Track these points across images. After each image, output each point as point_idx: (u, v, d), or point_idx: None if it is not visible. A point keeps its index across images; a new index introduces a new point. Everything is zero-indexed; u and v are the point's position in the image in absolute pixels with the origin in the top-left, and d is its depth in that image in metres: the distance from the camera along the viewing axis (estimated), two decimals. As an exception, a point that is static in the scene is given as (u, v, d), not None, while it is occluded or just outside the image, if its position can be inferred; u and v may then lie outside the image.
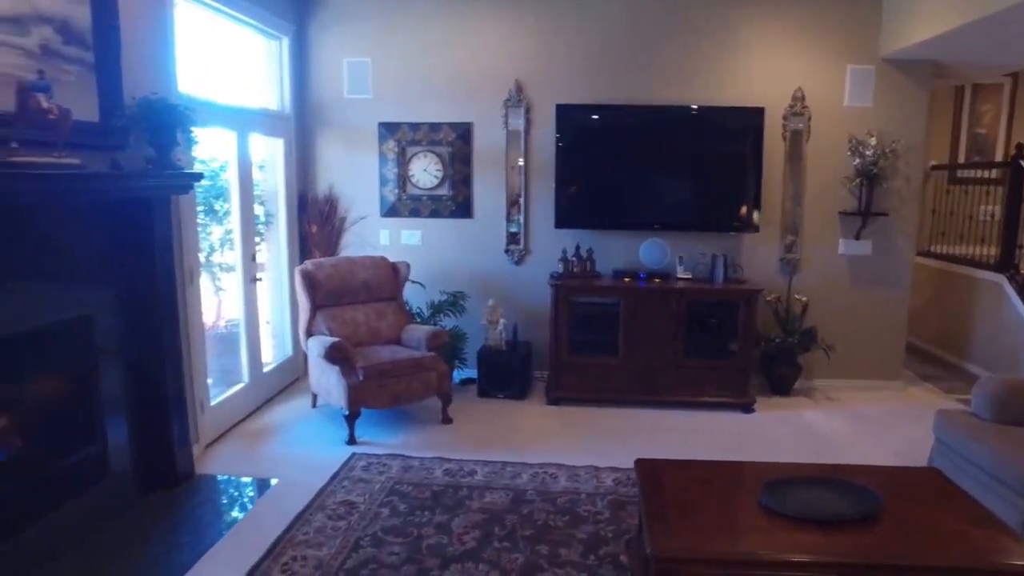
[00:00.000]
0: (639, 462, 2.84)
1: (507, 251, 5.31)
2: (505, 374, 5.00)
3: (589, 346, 4.92)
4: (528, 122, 5.14)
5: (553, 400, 4.89)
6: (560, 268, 5.01)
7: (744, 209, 4.99)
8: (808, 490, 2.49)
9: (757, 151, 4.92)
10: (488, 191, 5.27)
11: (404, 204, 5.37)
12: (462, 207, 5.31)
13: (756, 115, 4.90)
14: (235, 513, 3.40)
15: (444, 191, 5.31)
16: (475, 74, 5.15)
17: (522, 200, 5.23)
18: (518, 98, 5.11)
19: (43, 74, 2.72)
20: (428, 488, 3.61)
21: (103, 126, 3.12)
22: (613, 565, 2.91)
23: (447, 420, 4.55)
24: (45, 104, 2.63)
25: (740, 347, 4.79)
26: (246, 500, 3.55)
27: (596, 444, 4.22)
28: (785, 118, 5.04)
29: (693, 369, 4.81)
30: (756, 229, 5.02)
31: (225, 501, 3.55)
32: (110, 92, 3.15)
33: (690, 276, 4.97)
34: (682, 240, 5.08)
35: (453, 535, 3.14)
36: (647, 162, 5.06)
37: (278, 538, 3.10)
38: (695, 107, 4.94)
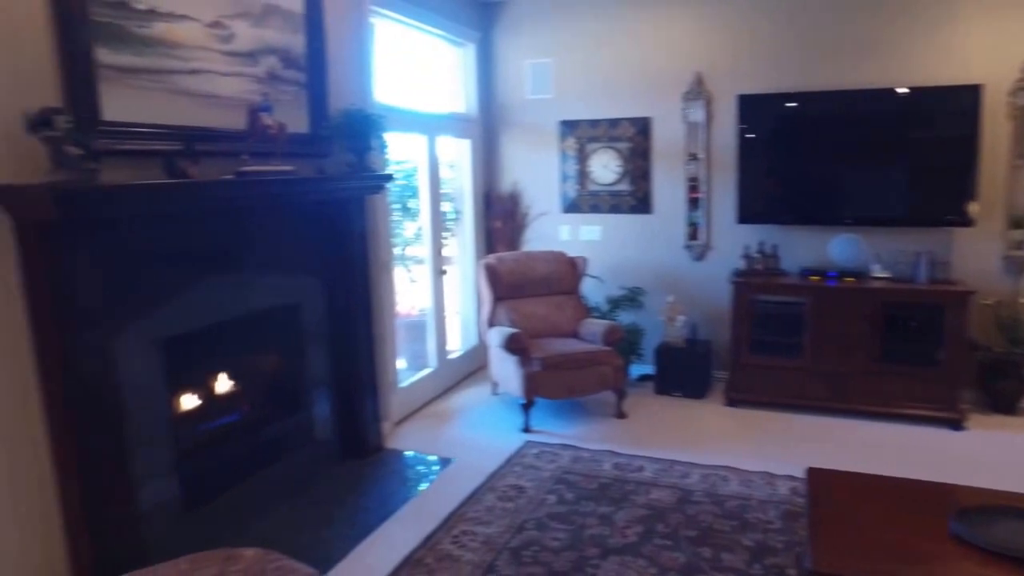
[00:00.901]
0: (812, 471, 2.70)
1: (687, 247, 5.20)
2: (683, 372, 4.93)
3: (772, 347, 4.69)
4: (708, 115, 4.99)
5: (731, 401, 4.74)
6: (742, 265, 4.83)
7: (957, 201, 4.44)
8: (1012, 522, 2.22)
9: (974, 134, 4.36)
10: (667, 186, 5.21)
11: (584, 200, 5.46)
12: (641, 202, 5.30)
13: (973, 94, 4.33)
14: (416, 486, 3.72)
15: (623, 186, 5.33)
16: (653, 68, 5.10)
17: (703, 195, 5.09)
18: (698, 91, 4.98)
19: (267, 96, 3.17)
20: (596, 480, 3.69)
21: (312, 136, 3.56)
22: (779, 576, 2.80)
23: (621, 415, 4.58)
24: (268, 121, 3.07)
25: (948, 355, 4.30)
26: (426, 475, 3.86)
27: (774, 450, 4.03)
28: (1011, 94, 4.40)
29: (890, 377, 4.41)
30: (971, 223, 4.45)
31: (408, 474, 3.89)
32: (318, 107, 3.58)
33: (888, 275, 4.54)
34: (879, 236, 4.65)
35: (615, 527, 3.20)
36: (840, 152, 4.69)
37: (451, 512, 3.35)
38: (898, 89, 4.48)
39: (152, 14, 2.67)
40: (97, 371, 2.47)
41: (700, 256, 5.18)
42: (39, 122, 2.18)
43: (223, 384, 3.38)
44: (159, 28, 2.70)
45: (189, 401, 3.17)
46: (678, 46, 5.02)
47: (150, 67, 2.68)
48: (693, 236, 5.17)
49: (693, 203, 5.12)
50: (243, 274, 3.22)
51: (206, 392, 3.28)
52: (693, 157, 5.07)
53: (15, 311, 2.32)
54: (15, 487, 2.35)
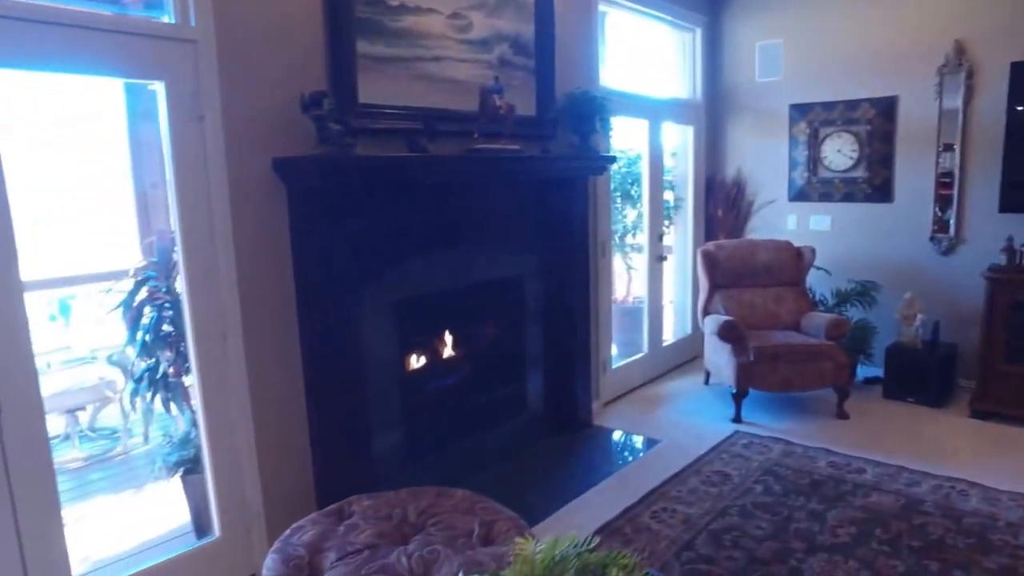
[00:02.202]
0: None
1: (932, 239, 4.66)
2: (919, 376, 4.43)
3: (1037, 355, 4.06)
4: (969, 88, 4.39)
5: (979, 413, 4.17)
6: (1003, 259, 4.21)
7: None
8: None
9: None
10: (911, 171, 4.70)
11: (814, 187, 5.13)
12: (879, 190, 4.84)
13: None
14: (621, 462, 3.79)
15: (859, 173, 4.91)
16: (901, 41, 4.62)
17: (956, 180, 4.52)
18: (957, 62, 4.41)
19: (498, 80, 3.42)
20: (808, 475, 3.48)
21: (538, 119, 3.76)
22: (1026, 605, 2.46)
23: (842, 415, 4.26)
24: (498, 102, 3.32)
25: None
26: (631, 453, 3.92)
27: (1032, 471, 3.50)
28: None
29: None
30: None
31: (614, 450, 3.99)
32: (544, 90, 3.77)
33: None
34: None
35: (826, 526, 3.01)
36: None
37: (653, 489, 3.37)
38: None
39: (402, 8, 3.02)
40: (344, 328, 2.84)
41: (949, 250, 4.61)
42: (310, 103, 2.59)
43: (446, 348, 3.71)
44: (408, 21, 3.05)
45: (416, 361, 3.52)
46: (933, 11, 4.49)
47: (399, 56, 3.04)
48: (941, 227, 4.61)
49: (943, 190, 4.57)
50: (468, 247, 3.51)
51: (431, 354, 3.63)
52: (948, 147, 4.50)
53: (287, 270, 2.77)
54: (286, 426, 2.81)
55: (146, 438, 4.16)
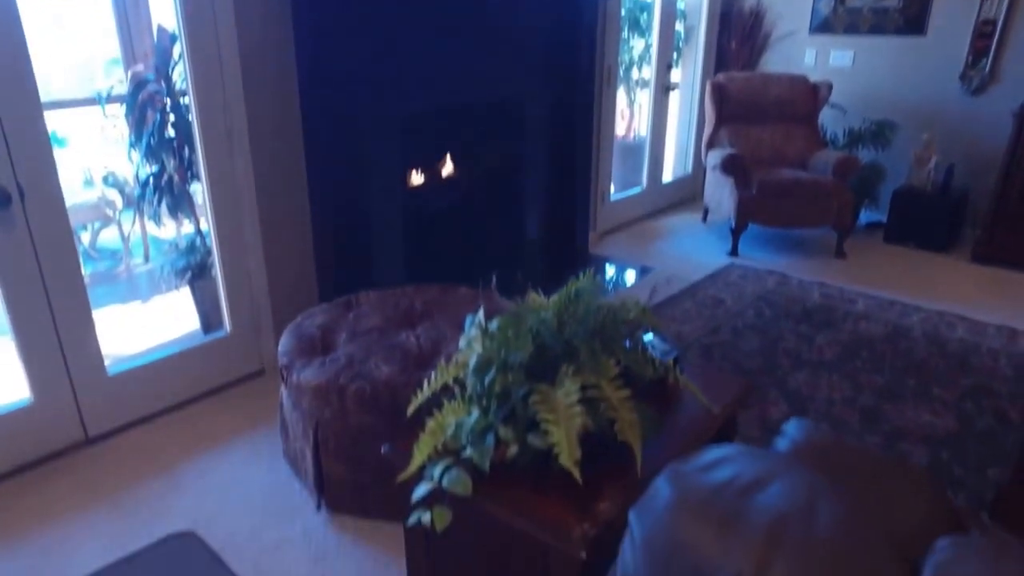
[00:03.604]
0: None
1: (963, 77, 4.45)
2: (924, 221, 4.40)
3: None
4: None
5: (980, 257, 4.19)
6: (1034, 99, 4.06)
7: None
8: None
9: None
10: (952, 1, 4.41)
11: (839, 18, 4.85)
12: (912, 22, 4.57)
13: None
14: (617, 286, 3.87)
15: (892, 2, 4.61)
16: None
17: (998, 27, 4.24)
18: None
19: None
20: (800, 304, 3.57)
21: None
22: (996, 417, 2.60)
23: (840, 254, 4.30)
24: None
25: None
26: (627, 278, 3.99)
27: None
28: None
29: None
30: None
31: (610, 277, 4.05)
32: None
33: None
34: None
35: (813, 346, 3.12)
36: None
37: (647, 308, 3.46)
38: None
39: None
40: (347, 131, 2.76)
41: (979, 89, 4.41)
42: None
43: (449, 168, 3.64)
44: None
45: (418, 177, 3.47)
46: None
47: None
48: (975, 64, 4.37)
49: (980, 51, 4.30)
50: (476, 59, 3.31)
51: (433, 173, 3.56)
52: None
53: (291, 71, 2.65)
54: (290, 227, 2.81)
55: (146, 258, 4.23)
